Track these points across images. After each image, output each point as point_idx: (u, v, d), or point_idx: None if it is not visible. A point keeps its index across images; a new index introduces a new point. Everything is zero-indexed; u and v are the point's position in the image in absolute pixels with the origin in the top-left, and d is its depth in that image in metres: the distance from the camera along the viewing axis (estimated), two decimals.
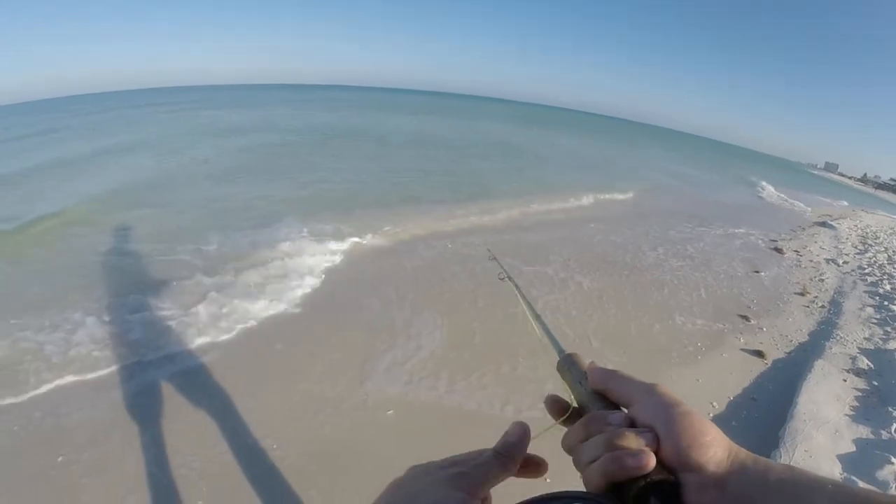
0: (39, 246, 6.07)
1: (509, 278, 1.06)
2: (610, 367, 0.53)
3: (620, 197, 12.38)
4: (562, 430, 0.53)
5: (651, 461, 0.42)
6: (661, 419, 0.44)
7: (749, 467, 0.42)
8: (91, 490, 2.62)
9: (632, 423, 0.46)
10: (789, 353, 4.79)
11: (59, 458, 2.79)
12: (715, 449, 0.42)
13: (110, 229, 6.68)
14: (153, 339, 4.00)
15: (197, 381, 3.56)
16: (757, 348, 4.76)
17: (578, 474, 0.48)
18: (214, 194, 8.84)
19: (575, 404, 0.55)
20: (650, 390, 0.47)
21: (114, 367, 3.65)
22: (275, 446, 2.96)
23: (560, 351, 0.64)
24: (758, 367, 4.43)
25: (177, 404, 3.31)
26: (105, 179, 9.96)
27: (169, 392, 3.42)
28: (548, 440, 0.53)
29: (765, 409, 3.69)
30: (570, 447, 0.50)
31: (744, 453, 0.43)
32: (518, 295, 0.91)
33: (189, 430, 3.07)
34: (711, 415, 3.57)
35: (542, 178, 13.57)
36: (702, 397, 3.78)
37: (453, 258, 6.18)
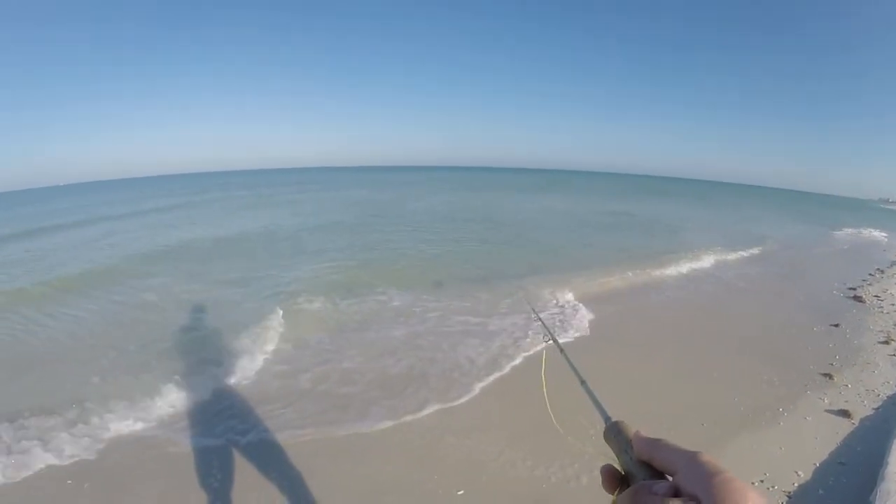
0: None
1: (554, 341, 1.12)
2: (655, 435, 0.55)
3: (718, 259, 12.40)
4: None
5: None
6: (704, 487, 0.44)
7: None
8: None
9: (676, 492, 0.47)
10: (877, 408, 4.55)
11: None
12: None
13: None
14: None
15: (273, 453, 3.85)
16: (842, 407, 4.55)
17: None
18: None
19: (622, 472, 0.57)
20: (693, 458, 0.48)
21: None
22: None
23: (607, 418, 0.64)
24: (844, 427, 4.24)
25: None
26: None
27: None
28: None
29: (854, 473, 3.53)
30: None
31: None
32: (564, 359, 0.95)
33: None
34: (796, 484, 3.45)
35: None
36: (785, 466, 3.67)
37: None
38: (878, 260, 13.49)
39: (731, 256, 12.77)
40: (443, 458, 3.88)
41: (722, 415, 4.52)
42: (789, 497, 3.33)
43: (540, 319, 1.41)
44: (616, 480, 0.57)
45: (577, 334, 6.53)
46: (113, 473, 3.72)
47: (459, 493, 3.48)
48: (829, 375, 5.30)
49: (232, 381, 5.20)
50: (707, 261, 11.82)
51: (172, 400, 4.77)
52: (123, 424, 4.36)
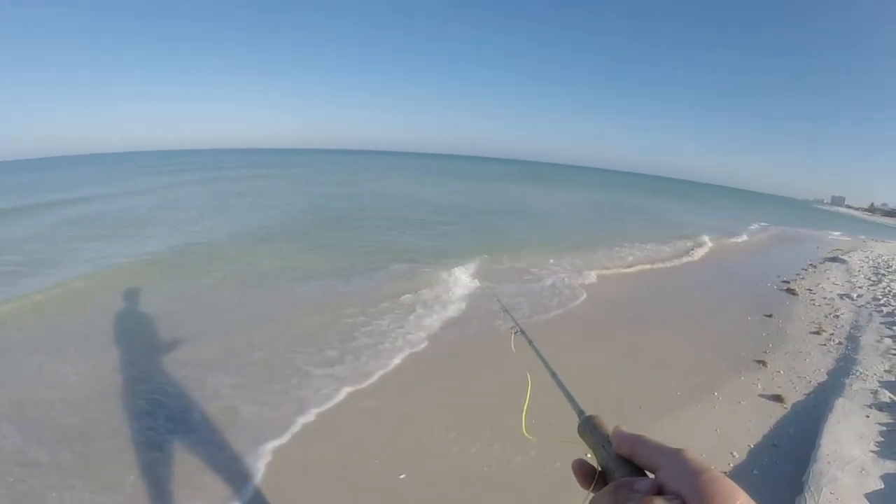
0: None
1: (522, 332, 1.03)
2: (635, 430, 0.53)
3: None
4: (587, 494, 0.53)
5: None
6: (689, 485, 0.42)
7: None
8: None
9: (659, 490, 0.45)
10: (808, 394, 4.69)
11: None
12: None
13: None
14: None
15: None
16: (775, 392, 4.67)
17: None
18: None
19: (598, 468, 0.54)
20: (677, 455, 0.46)
21: None
22: None
23: (580, 412, 0.61)
24: (777, 411, 4.34)
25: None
26: None
27: None
28: None
29: (787, 455, 3.59)
30: None
31: None
32: (533, 350, 0.90)
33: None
34: (732, 465, 3.49)
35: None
36: (721, 447, 3.70)
37: None
38: (811, 256, 14.24)
39: (680, 245, 13.34)
40: (385, 441, 3.72)
41: (660, 398, 4.55)
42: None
43: (506, 310, 1.39)
44: (590, 476, 0.54)
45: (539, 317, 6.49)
46: None
47: (401, 476, 3.32)
48: (762, 362, 5.45)
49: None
50: (659, 250, 12.21)
51: None
52: None
